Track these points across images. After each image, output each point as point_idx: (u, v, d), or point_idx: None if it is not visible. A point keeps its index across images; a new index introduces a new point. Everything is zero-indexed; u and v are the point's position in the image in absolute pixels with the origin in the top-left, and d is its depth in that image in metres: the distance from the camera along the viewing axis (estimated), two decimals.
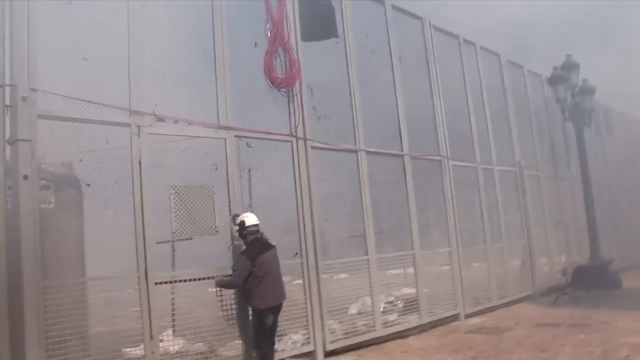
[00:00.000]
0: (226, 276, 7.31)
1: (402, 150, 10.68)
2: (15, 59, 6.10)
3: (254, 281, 6.98)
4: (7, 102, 6.05)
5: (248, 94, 8.14)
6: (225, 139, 7.73)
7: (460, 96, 12.86)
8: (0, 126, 6.01)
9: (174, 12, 7.63)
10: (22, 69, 6.08)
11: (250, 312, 7.31)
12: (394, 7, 11.20)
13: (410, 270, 10.66)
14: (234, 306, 7.57)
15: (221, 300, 7.49)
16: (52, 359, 5.99)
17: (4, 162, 6.01)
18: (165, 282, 7.00)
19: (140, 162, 6.84)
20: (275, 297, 7.15)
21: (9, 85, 6.06)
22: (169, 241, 7.24)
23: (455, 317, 11.25)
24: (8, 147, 6.05)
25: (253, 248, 7.10)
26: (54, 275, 6.20)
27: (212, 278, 7.37)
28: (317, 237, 8.63)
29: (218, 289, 7.40)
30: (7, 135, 6.06)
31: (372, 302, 9.51)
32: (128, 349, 6.93)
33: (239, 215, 7.35)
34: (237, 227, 7.28)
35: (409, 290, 10.73)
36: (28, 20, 6.25)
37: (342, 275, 9.48)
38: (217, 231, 7.53)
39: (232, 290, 7.46)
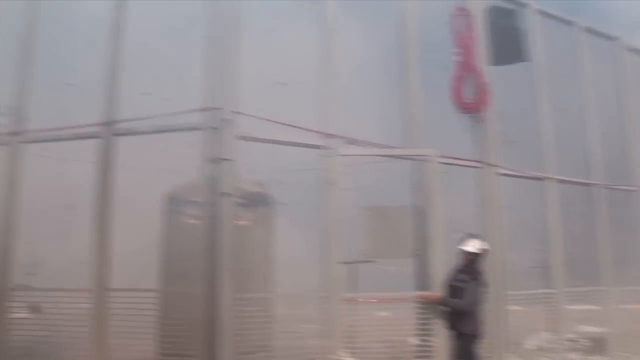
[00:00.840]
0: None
1: (592, 179, 10.00)
2: (220, 83, 6.55)
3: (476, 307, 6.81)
4: (212, 123, 6.49)
5: (436, 118, 8.06)
6: (416, 160, 7.68)
7: None
8: (205, 146, 6.45)
9: (362, 38, 7.79)
10: (226, 93, 6.50)
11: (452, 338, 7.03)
12: (587, 29, 10.57)
13: (596, 306, 9.89)
14: (429, 331, 7.38)
15: (424, 324, 7.32)
16: None
17: (207, 180, 6.44)
18: (352, 301, 7.04)
19: (331, 183, 7.00)
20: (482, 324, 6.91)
21: (214, 108, 6.50)
22: (356, 262, 7.32)
23: None
24: (211, 166, 6.47)
25: (482, 274, 6.88)
26: (245, 289, 6.52)
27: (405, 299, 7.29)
28: (503, 266, 8.28)
29: (422, 310, 7.23)
30: (210, 154, 6.50)
31: (554, 338, 8.95)
32: None
33: (474, 238, 7.16)
34: (471, 250, 7.06)
35: (593, 329, 9.97)
36: (231, 46, 6.70)
37: (515, 307, 9.02)
38: (412, 254, 7.47)
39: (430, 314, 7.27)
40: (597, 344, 9.59)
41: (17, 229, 7.09)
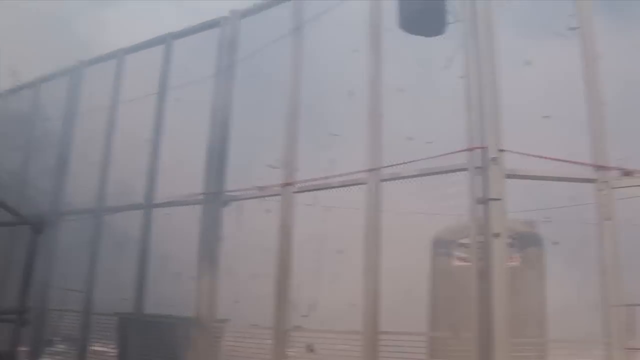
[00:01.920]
0: None
1: None
2: (484, 122, 6.46)
3: None
4: (478, 163, 6.40)
5: None
6: None
7: None
8: (473, 187, 6.37)
9: (628, 60, 7.21)
10: (491, 131, 6.39)
11: None
12: None
13: None
14: None
15: None
16: None
17: (476, 221, 6.33)
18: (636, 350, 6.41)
19: (607, 218, 6.50)
20: None
21: (479, 147, 6.42)
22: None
23: None
24: (479, 207, 6.37)
25: None
26: (519, 333, 6.23)
27: None
28: None
29: None
30: (477, 194, 6.39)
31: None
32: None
33: None
34: None
35: None
36: (490, 83, 6.60)
37: None
38: None
39: None
40: None
41: (292, 273, 7.57)
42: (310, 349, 7.38)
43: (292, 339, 7.51)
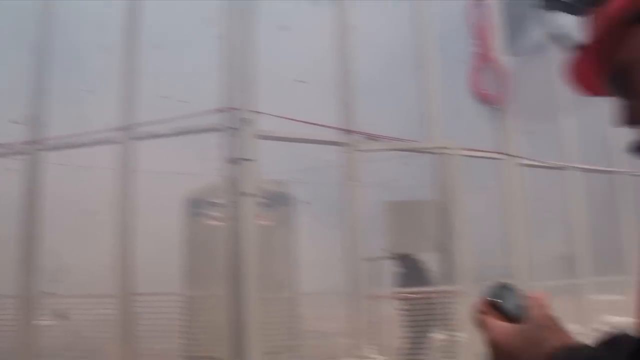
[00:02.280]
0: None
1: (616, 166, 9.86)
2: (237, 83, 6.50)
3: None
4: (231, 124, 6.45)
5: (455, 110, 7.98)
6: (436, 153, 7.62)
7: None
8: (224, 147, 6.41)
9: (380, 33, 7.72)
10: (244, 93, 6.45)
11: None
12: None
13: (622, 296, 9.74)
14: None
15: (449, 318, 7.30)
16: None
17: (228, 181, 6.40)
18: (377, 298, 6.99)
19: (352, 180, 6.94)
20: None
21: (232, 108, 6.46)
22: (378, 258, 7.28)
23: None
24: (231, 167, 6.43)
25: None
26: (269, 289, 6.48)
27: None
28: (527, 257, 8.18)
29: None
30: (230, 155, 6.46)
31: (579, 329, 8.80)
32: None
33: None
34: None
35: (619, 319, 9.81)
36: (248, 46, 6.65)
37: None
38: (436, 248, 7.41)
39: None
40: None
41: (40, 236, 7.10)
42: (62, 315, 7.02)
43: (42, 307, 7.07)
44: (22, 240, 7.08)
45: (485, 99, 8.20)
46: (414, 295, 6.98)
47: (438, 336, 7.45)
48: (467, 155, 7.81)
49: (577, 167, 9.19)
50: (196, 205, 6.78)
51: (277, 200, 6.88)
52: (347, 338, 6.83)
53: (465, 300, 6.97)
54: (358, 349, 6.77)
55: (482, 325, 1.12)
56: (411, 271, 7.31)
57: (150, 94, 6.74)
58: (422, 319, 6.93)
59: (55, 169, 7.14)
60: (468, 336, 6.96)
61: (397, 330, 7.18)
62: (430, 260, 7.41)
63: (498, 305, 1.12)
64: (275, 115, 6.61)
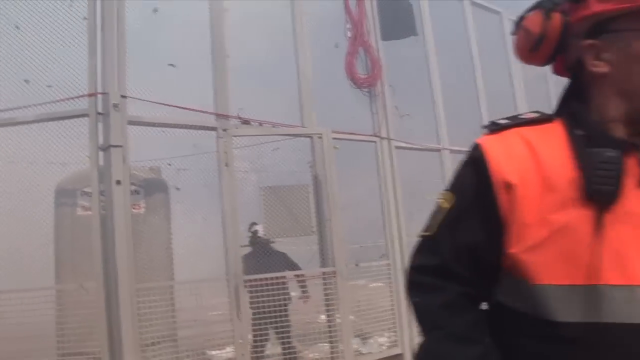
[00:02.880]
0: None
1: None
2: (106, 67, 6.25)
3: None
4: (100, 109, 6.21)
5: (330, 94, 8.09)
6: (311, 138, 7.71)
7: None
8: (94, 134, 6.17)
9: (254, 16, 7.66)
10: (113, 77, 6.22)
11: None
12: (473, 3, 10.90)
13: None
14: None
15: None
16: None
17: (98, 168, 6.17)
18: (253, 282, 6.99)
19: (227, 165, 6.88)
20: None
21: (101, 93, 6.22)
22: (255, 244, 7.33)
23: None
24: (101, 154, 6.21)
25: None
26: (146, 279, 6.33)
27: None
28: (404, 238, 8.47)
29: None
30: (100, 142, 6.23)
31: None
32: (215, 352, 7.05)
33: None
34: None
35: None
36: (117, 29, 6.39)
37: None
38: (313, 231, 7.50)
39: None
40: None
41: None
42: None
43: None
44: None
45: (360, 83, 8.37)
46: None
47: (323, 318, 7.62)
48: (342, 139, 7.96)
49: (450, 149, 9.56)
50: (66, 195, 6.50)
51: (151, 188, 6.72)
52: (229, 325, 6.80)
53: (341, 283, 7.16)
54: (241, 336, 6.76)
55: None
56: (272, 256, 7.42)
57: (11, 78, 6.36)
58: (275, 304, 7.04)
59: None
60: (346, 318, 7.17)
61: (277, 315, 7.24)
62: (309, 243, 7.55)
63: None
64: (147, 101, 6.44)
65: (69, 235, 6.45)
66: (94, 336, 6.07)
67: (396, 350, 8.17)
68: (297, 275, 7.75)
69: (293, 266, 7.66)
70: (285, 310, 7.27)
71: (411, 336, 8.29)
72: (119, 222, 6.06)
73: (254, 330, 7.14)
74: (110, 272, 6.08)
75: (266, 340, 7.39)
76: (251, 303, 6.96)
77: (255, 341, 7.17)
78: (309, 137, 7.70)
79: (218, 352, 7.13)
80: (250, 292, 6.91)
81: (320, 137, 7.59)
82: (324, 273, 7.37)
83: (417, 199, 8.88)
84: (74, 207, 6.47)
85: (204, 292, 7.01)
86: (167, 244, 6.68)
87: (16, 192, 6.32)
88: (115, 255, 6.02)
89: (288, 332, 7.33)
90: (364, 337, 7.98)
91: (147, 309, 6.18)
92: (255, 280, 6.94)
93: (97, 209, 6.14)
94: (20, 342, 6.24)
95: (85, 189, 6.39)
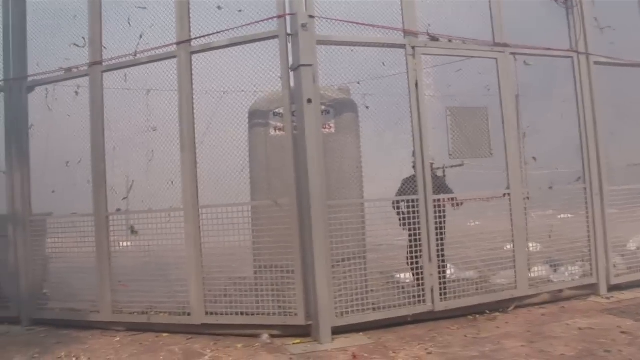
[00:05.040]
0: None
1: None
2: None
3: None
4: (289, 30, 6.28)
5: (522, 6, 7.51)
6: (496, 59, 7.28)
7: None
8: (284, 54, 6.26)
9: None
10: None
11: None
12: None
13: None
14: None
15: None
16: (337, 276, 6.27)
17: (289, 89, 6.28)
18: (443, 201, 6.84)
19: (416, 84, 6.70)
20: None
21: (289, 14, 6.27)
22: (442, 167, 7.15)
23: None
24: (292, 75, 6.30)
25: None
26: (336, 196, 6.41)
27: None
28: (602, 160, 7.83)
29: None
30: (290, 62, 6.31)
31: None
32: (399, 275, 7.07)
33: None
34: None
35: None
36: None
37: (612, 211, 8.48)
38: (491, 154, 7.20)
39: None
40: None
41: (107, 156, 7.22)
42: (133, 230, 7.19)
43: (114, 223, 7.26)
44: (92, 160, 7.22)
45: None
46: None
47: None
48: (536, 55, 7.44)
49: None
50: (259, 116, 6.70)
51: (340, 107, 6.72)
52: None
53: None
54: (429, 255, 6.67)
55: None
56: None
57: (205, 5, 6.61)
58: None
59: (119, 89, 7.19)
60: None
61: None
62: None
63: None
64: (334, 19, 6.39)
65: (263, 154, 6.66)
66: (287, 251, 6.30)
67: (590, 280, 7.68)
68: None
69: (447, 190, 7.31)
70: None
71: (607, 267, 7.75)
72: (311, 141, 6.15)
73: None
74: (302, 190, 6.24)
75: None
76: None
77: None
78: (493, 58, 7.27)
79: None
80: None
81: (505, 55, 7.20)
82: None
83: (620, 119, 8.13)
84: (267, 127, 6.66)
85: (392, 213, 6.98)
86: (357, 162, 6.68)
87: (214, 114, 6.64)
88: (308, 173, 6.15)
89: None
90: (555, 266, 7.58)
91: (339, 225, 6.27)
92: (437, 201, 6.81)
93: (290, 128, 6.28)
94: (220, 254, 6.69)
95: (277, 110, 6.54)
